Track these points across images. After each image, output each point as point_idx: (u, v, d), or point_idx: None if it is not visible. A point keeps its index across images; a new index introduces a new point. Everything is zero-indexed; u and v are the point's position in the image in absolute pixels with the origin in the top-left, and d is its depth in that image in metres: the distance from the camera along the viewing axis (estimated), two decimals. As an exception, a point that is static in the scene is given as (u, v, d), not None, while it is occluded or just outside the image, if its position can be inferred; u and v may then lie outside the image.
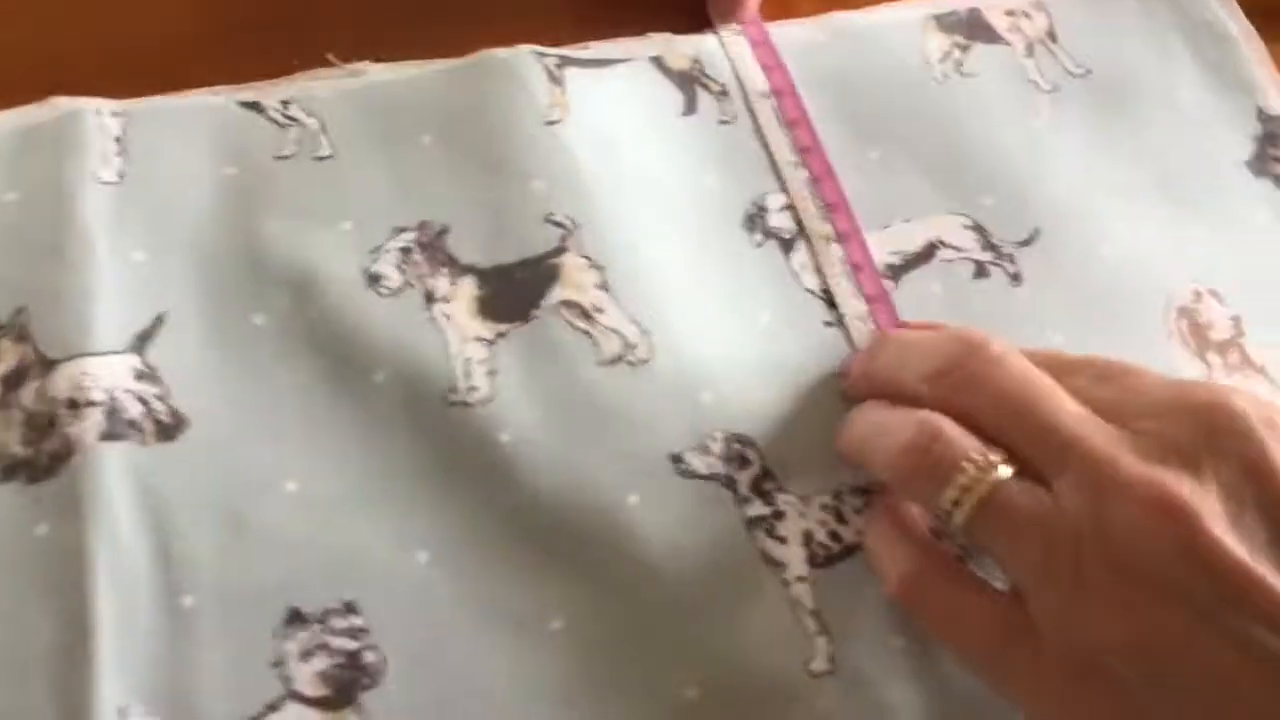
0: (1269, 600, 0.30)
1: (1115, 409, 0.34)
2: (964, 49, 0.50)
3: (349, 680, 0.36)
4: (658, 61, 0.48)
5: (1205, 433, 0.32)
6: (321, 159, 0.44)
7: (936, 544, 0.37)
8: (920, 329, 0.41)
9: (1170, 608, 0.31)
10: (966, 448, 0.34)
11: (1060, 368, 0.36)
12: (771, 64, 0.48)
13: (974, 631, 0.35)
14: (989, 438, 0.35)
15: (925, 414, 0.36)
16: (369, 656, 0.36)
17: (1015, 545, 0.33)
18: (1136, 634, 0.31)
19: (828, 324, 0.43)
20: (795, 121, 0.47)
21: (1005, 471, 0.34)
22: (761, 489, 0.39)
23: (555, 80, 0.46)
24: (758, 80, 0.47)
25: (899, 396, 0.38)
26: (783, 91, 0.47)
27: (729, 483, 0.39)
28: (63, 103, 0.43)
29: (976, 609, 0.35)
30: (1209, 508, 0.31)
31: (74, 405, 0.37)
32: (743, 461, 0.40)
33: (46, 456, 0.37)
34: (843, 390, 0.41)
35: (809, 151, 0.46)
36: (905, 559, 0.36)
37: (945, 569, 0.36)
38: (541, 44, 0.47)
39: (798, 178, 0.46)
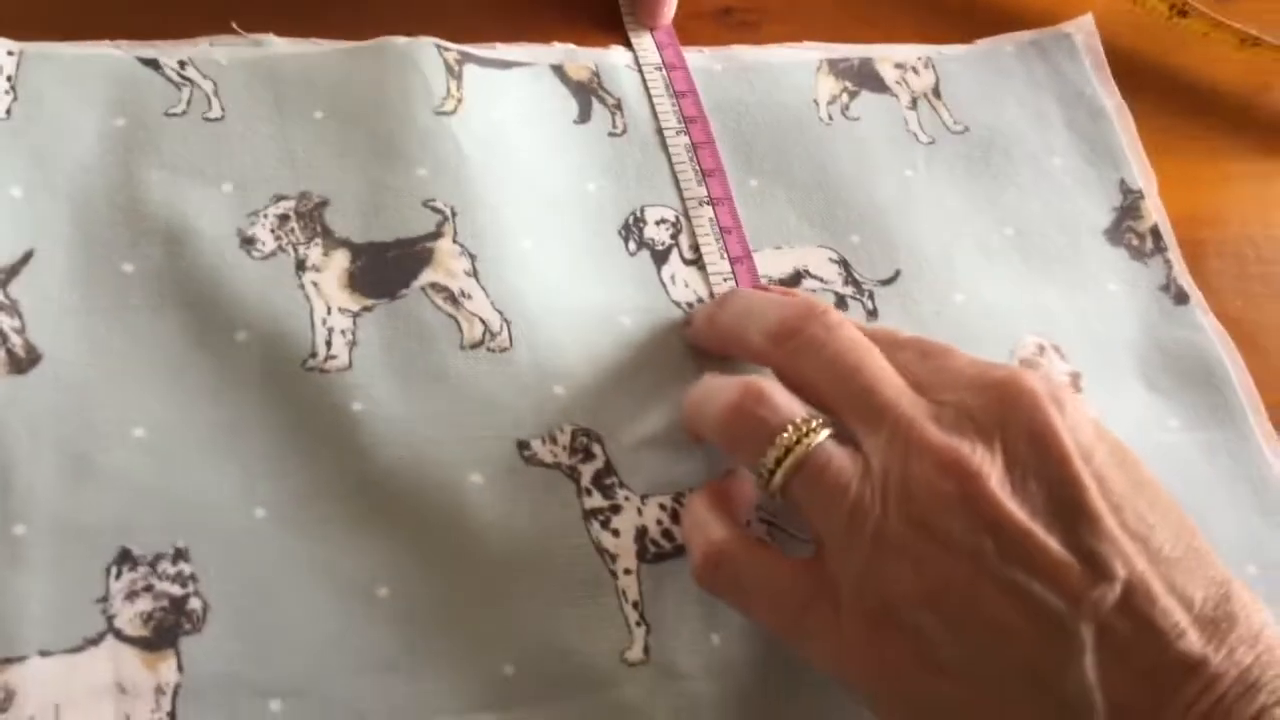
0: (1042, 556, 0.33)
1: (928, 382, 0.36)
2: (852, 95, 0.52)
3: (171, 624, 0.36)
4: (558, 70, 0.49)
5: (998, 406, 0.35)
6: (211, 120, 0.45)
7: (741, 524, 0.39)
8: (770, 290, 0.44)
9: (958, 560, 0.33)
10: (790, 411, 0.36)
11: (890, 343, 0.38)
12: (685, 89, 0.50)
13: (776, 597, 0.36)
14: (819, 402, 0.37)
15: (751, 377, 0.38)
16: (193, 603, 0.36)
17: (826, 504, 0.35)
18: (929, 585, 0.33)
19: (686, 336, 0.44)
20: (701, 144, 0.48)
21: (824, 434, 0.36)
22: (603, 483, 0.40)
23: (453, 74, 0.47)
24: (664, 100, 0.49)
25: (740, 350, 0.41)
26: (694, 118, 0.49)
27: (571, 473, 0.40)
28: (-42, 36, 0.43)
29: (776, 576, 0.36)
30: (995, 472, 0.34)
31: (-71, 327, 0.38)
32: (587, 454, 0.41)
33: (-105, 374, 0.37)
34: (684, 336, 0.43)
35: (712, 174, 0.48)
36: (710, 536, 0.37)
37: (746, 543, 0.37)
38: (448, 40, 0.48)
39: (697, 195, 0.47)
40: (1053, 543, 0.33)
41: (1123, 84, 0.55)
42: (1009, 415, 0.34)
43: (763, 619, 0.37)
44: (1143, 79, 0.56)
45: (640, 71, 0.50)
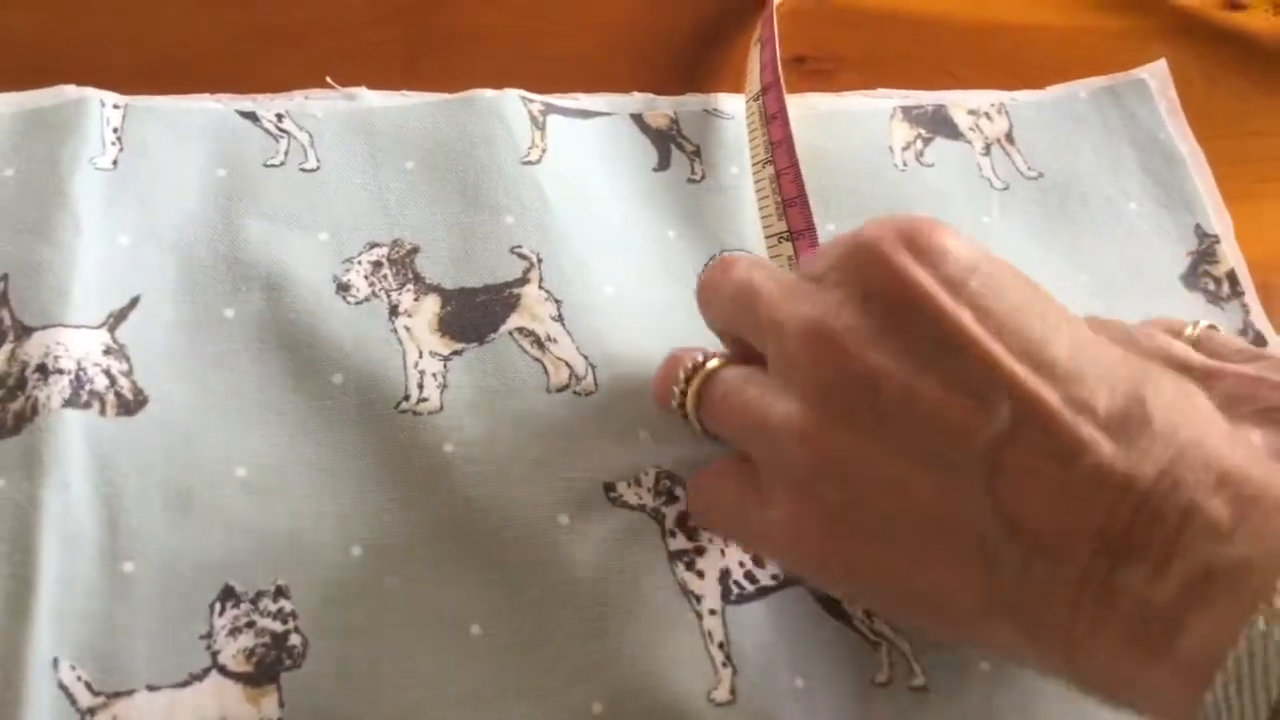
0: (921, 401, 0.32)
1: (807, 271, 0.37)
2: (926, 141, 0.53)
3: (272, 660, 0.37)
4: (637, 118, 0.51)
5: (856, 266, 0.35)
6: (308, 170, 0.46)
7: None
8: None
9: (841, 427, 0.33)
10: (689, 359, 0.39)
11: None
12: (775, 111, 0.49)
13: (723, 503, 0.39)
14: (741, 342, 0.39)
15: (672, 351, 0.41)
16: (294, 639, 0.37)
17: (731, 417, 0.37)
18: (821, 456, 0.33)
19: None
20: (784, 171, 0.48)
21: (713, 363, 0.39)
22: (686, 525, 0.41)
23: (537, 124, 0.49)
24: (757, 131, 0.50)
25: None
26: (780, 141, 0.48)
27: (656, 515, 0.41)
28: (70, 90, 0.45)
29: (724, 486, 0.39)
30: (862, 330, 0.33)
31: (43, 371, 0.39)
32: (670, 497, 0.42)
33: (11, 416, 0.39)
34: None
35: (793, 204, 0.48)
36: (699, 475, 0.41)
37: (714, 467, 0.40)
38: (532, 91, 0.50)
39: (777, 230, 0.47)
40: (929, 384, 0.32)
41: (1197, 129, 0.56)
42: (867, 272, 0.34)
43: (721, 529, 0.40)
44: (1217, 123, 0.56)
45: (718, 115, 0.51)
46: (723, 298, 0.39)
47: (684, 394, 0.39)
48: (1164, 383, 0.32)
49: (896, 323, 0.33)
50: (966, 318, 0.32)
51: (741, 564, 0.41)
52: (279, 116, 0.47)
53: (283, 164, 0.46)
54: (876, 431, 0.33)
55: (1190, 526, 0.29)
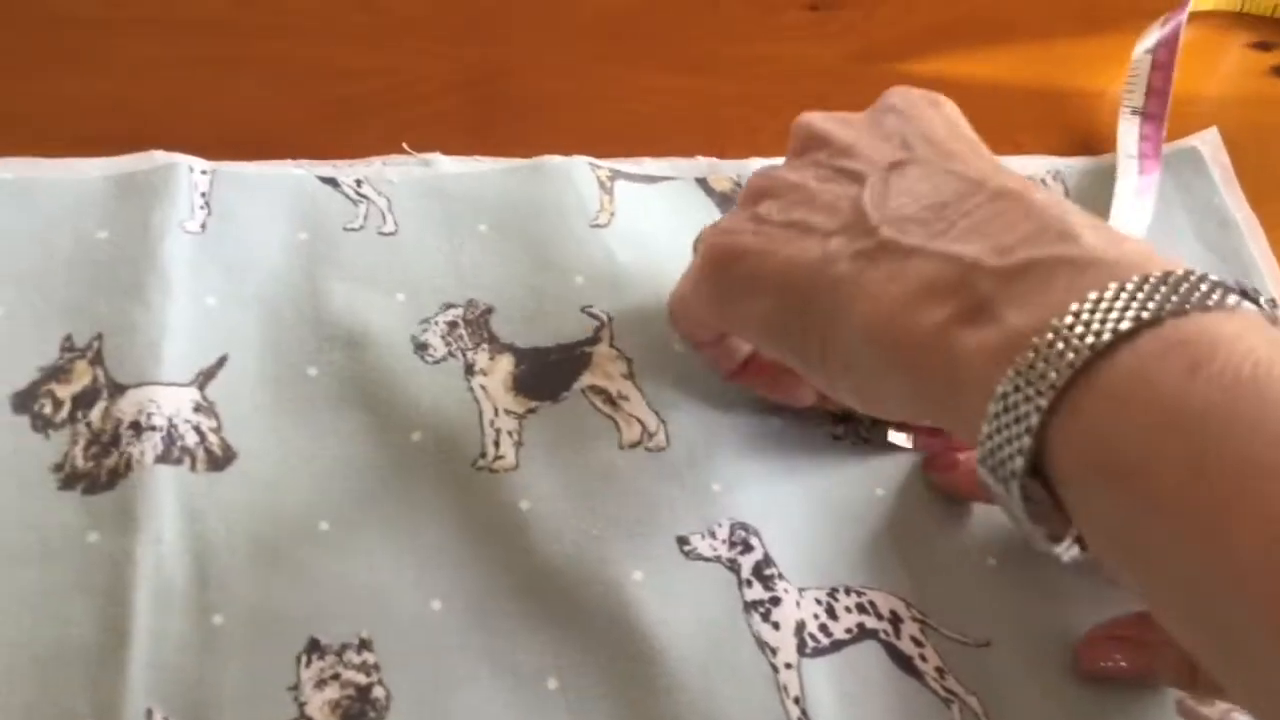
0: (854, 149, 0.39)
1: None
2: (985, 205, 0.54)
3: (357, 711, 0.38)
4: (702, 182, 0.52)
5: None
6: (386, 234, 0.48)
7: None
8: None
9: (793, 166, 0.41)
10: None
11: None
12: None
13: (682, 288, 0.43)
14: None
15: None
16: (377, 691, 0.38)
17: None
18: (774, 179, 0.40)
19: (835, 437, 0.46)
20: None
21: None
22: (763, 574, 0.42)
23: (605, 189, 0.50)
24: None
25: None
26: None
27: (732, 565, 0.42)
28: (159, 155, 0.47)
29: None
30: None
31: (136, 428, 0.41)
32: (746, 547, 0.42)
33: (106, 471, 0.40)
34: None
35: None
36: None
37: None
38: (600, 156, 0.51)
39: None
40: (858, 139, 0.39)
41: (1249, 193, 0.56)
42: (878, 104, 0.42)
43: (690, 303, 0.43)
44: (1269, 187, 0.57)
45: None
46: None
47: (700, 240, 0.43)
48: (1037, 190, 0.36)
49: (875, 118, 0.41)
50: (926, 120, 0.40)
51: (815, 616, 0.41)
52: (358, 182, 0.49)
53: (362, 228, 0.48)
54: (818, 166, 0.39)
55: (1056, 231, 0.32)
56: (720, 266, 0.39)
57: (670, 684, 0.39)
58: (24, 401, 0.41)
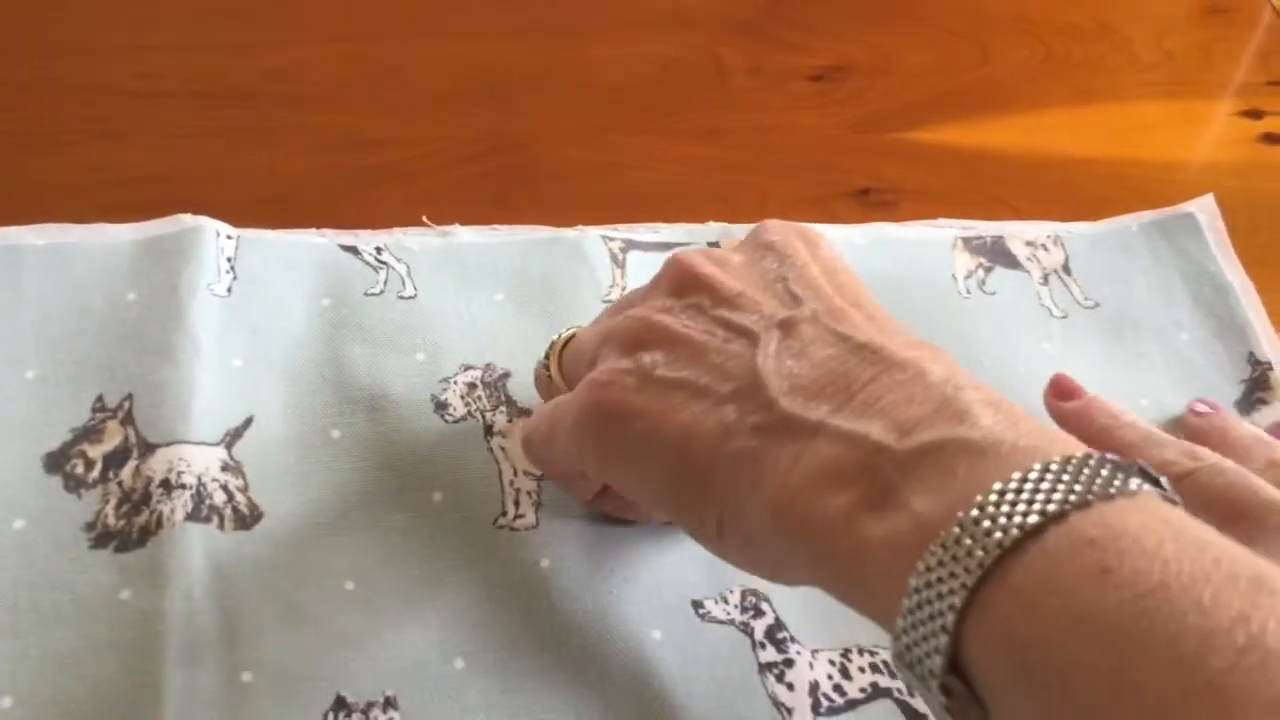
0: (743, 299, 0.38)
1: None
2: (987, 270, 0.55)
3: (382, 768, 0.39)
4: (714, 245, 0.53)
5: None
6: (405, 298, 0.49)
7: None
8: None
9: (672, 313, 0.39)
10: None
11: None
12: None
13: (541, 419, 0.42)
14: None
15: None
16: (403, 749, 0.39)
17: (583, 341, 0.42)
18: (651, 327, 0.38)
19: None
20: None
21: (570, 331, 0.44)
22: (775, 637, 0.43)
23: (617, 262, 0.52)
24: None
25: None
26: None
27: (745, 629, 0.43)
28: (187, 219, 0.48)
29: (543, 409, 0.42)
30: (692, 254, 0.41)
31: (167, 485, 0.41)
32: (758, 612, 0.43)
33: (137, 529, 0.41)
34: None
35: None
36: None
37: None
38: (614, 221, 0.53)
39: None
40: (749, 289, 0.38)
41: (1243, 256, 0.58)
42: (756, 239, 0.41)
43: (545, 440, 0.41)
44: (1262, 252, 0.58)
45: None
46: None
47: (547, 361, 0.43)
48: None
49: (761, 261, 0.40)
50: (814, 269, 0.39)
51: (829, 676, 0.42)
52: (378, 250, 0.50)
53: (382, 293, 0.49)
54: (701, 315, 0.38)
55: (952, 411, 0.32)
56: (607, 423, 0.37)
57: None
58: (56, 462, 0.42)
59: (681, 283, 0.39)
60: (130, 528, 0.41)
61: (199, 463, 0.42)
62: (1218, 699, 0.24)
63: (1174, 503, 0.30)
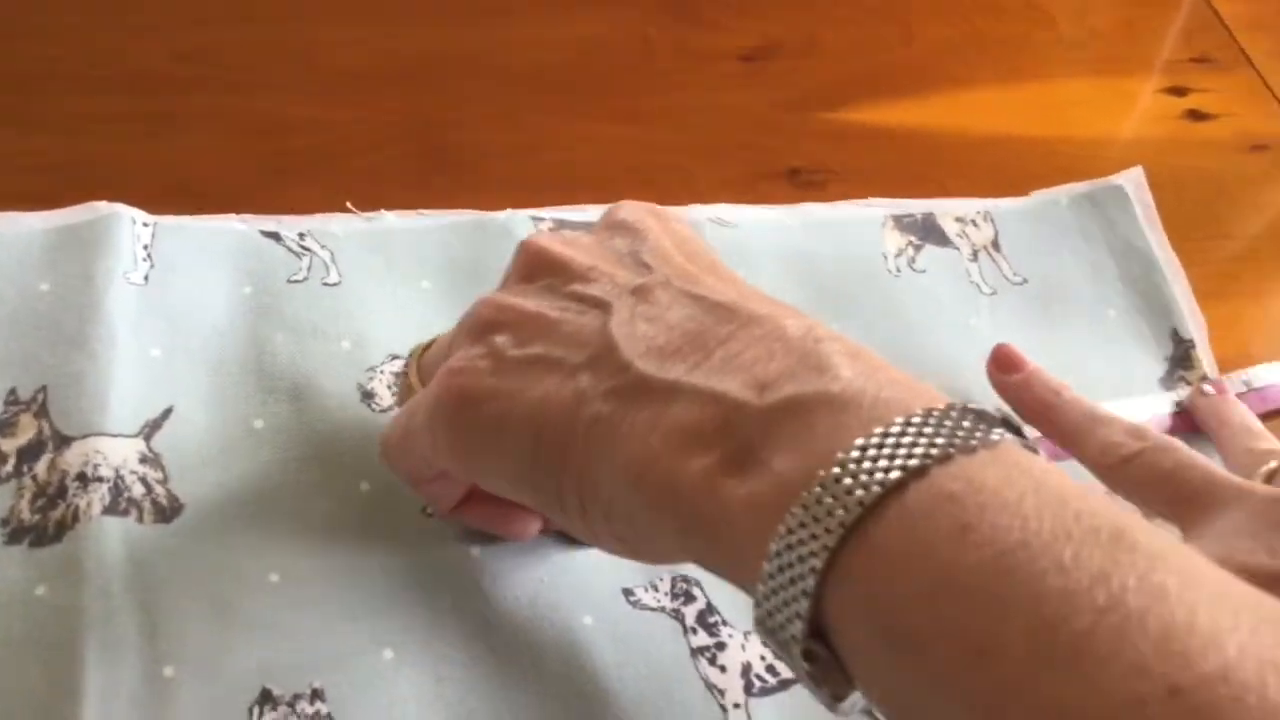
0: (593, 273, 0.37)
1: None
2: (917, 248, 0.55)
3: (310, 761, 0.38)
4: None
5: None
6: (330, 285, 0.48)
7: None
8: None
9: (521, 294, 0.38)
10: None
11: None
12: None
13: (398, 425, 0.41)
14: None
15: None
16: (331, 741, 0.38)
17: (439, 348, 0.41)
18: (502, 308, 0.37)
19: None
20: None
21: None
22: (706, 622, 0.42)
23: (548, 240, 0.51)
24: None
25: None
26: None
27: (676, 615, 0.42)
28: (102, 206, 0.47)
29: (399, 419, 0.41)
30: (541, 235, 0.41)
31: (83, 479, 0.40)
32: (688, 598, 0.43)
33: (53, 524, 0.40)
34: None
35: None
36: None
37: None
38: (541, 204, 0.52)
39: None
40: (601, 263, 0.37)
41: (1169, 232, 0.58)
42: (605, 219, 0.41)
43: (403, 444, 0.40)
44: (1187, 228, 0.59)
45: (721, 224, 0.54)
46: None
47: (407, 368, 0.42)
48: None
49: (612, 239, 0.39)
50: (666, 241, 0.38)
51: (762, 657, 0.42)
52: (301, 235, 0.49)
53: (305, 279, 0.48)
54: (553, 293, 0.37)
55: (813, 365, 0.31)
56: (461, 409, 0.36)
57: None
58: (-33, 457, 0.41)
59: (533, 266, 0.38)
60: (46, 522, 0.40)
61: (116, 455, 0.41)
62: (1078, 662, 0.24)
63: (1034, 451, 0.29)
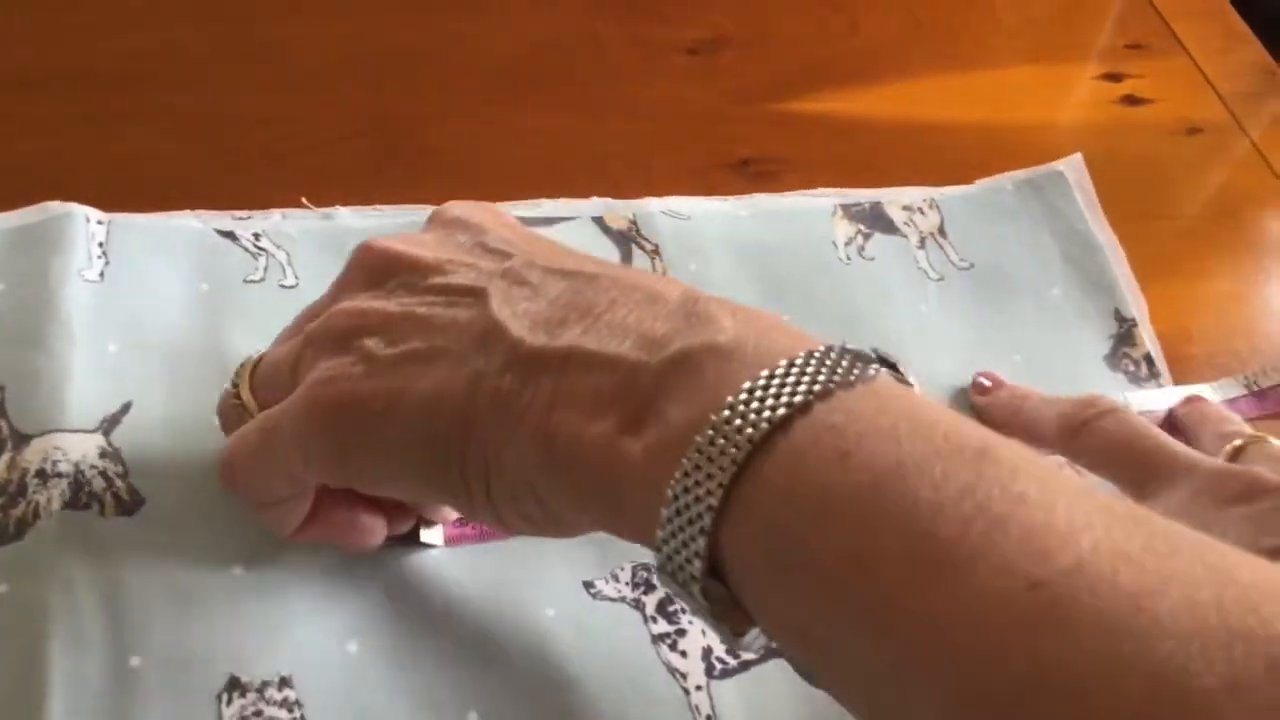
0: (450, 265, 0.37)
1: None
2: (866, 236, 0.56)
3: (279, 749, 0.38)
4: (598, 220, 0.53)
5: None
6: (287, 287, 0.48)
7: None
8: None
9: (381, 297, 0.37)
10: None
11: None
12: None
13: (243, 442, 0.39)
14: None
15: None
16: (299, 728, 0.39)
17: (280, 353, 0.40)
18: (365, 314, 0.37)
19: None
20: None
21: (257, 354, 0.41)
22: (666, 610, 0.43)
23: (503, 237, 0.51)
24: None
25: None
26: None
27: (637, 604, 0.43)
28: (55, 206, 0.47)
29: (244, 433, 0.39)
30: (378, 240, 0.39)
31: (43, 475, 0.41)
32: (648, 587, 0.44)
33: (14, 522, 0.40)
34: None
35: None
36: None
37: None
38: (496, 199, 0.52)
39: None
40: (452, 255, 0.37)
41: (1111, 214, 0.60)
42: (438, 219, 0.41)
43: (246, 462, 0.39)
44: (1126, 210, 0.60)
45: (675, 216, 0.54)
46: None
47: (236, 387, 0.40)
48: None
49: (451, 234, 0.39)
50: (506, 231, 0.39)
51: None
52: (256, 235, 0.49)
53: (263, 280, 0.48)
54: (413, 291, 0.37)
55: (696, 320, 0.33)
56: (340, 417, 0.35)
57: (588, 711, 0.40)
58: (-75, 457, 0.41)
59: (379, 269, 0.38)
60: (7, 520, 0.40)
61: (76, 450, 0.41)
62: (949, 565, 0.26)
63: (908, 384, 0.31)
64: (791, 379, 0.30)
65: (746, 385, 0.30)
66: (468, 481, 0.35)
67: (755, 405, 0.29)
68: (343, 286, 0.39)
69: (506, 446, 0.33)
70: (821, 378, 0.29)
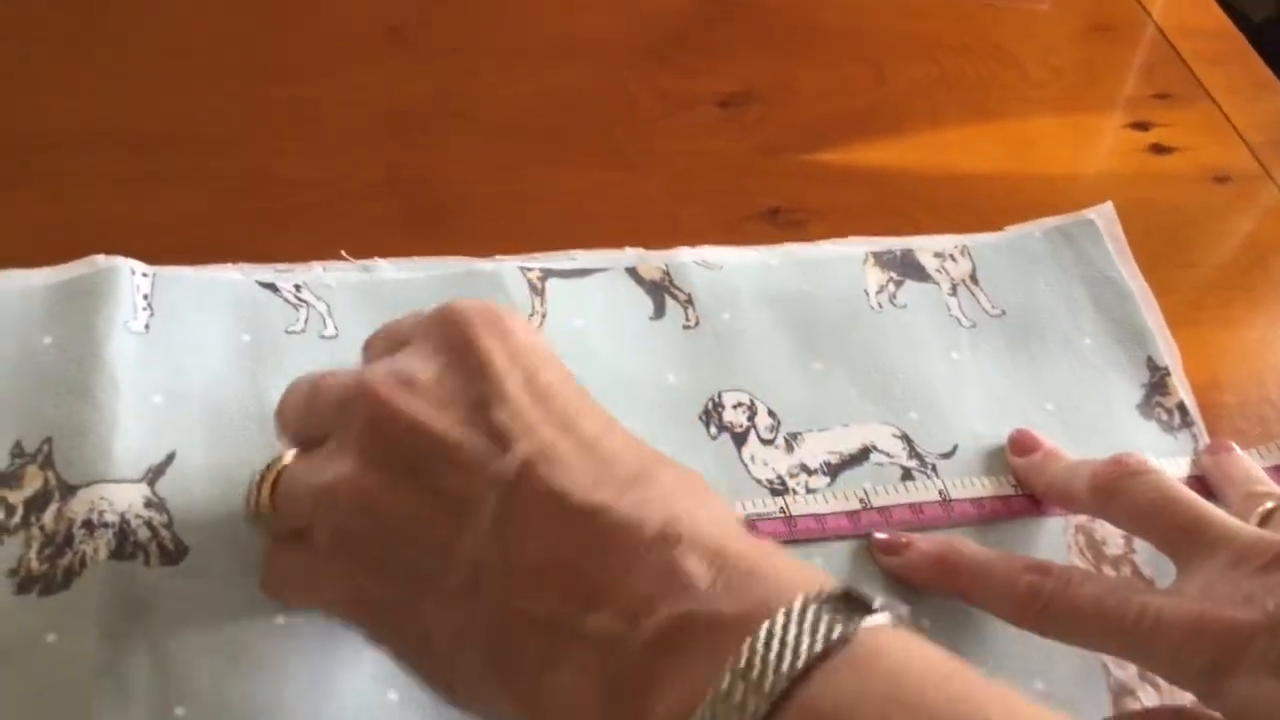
0: (440, 442, 0.35)
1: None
2: (898, 284, 0.57)
3: (322, 798, 0.38)
4: (631, 271, 0.54)
5: (436, 327, 0.38)
6: (327, 338, 0.49)
7: None
8: None
9: (379, 472, 0.35)
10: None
11: None
12: None
13: (291, 570, 0.39)
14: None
15: None
16: (344, 778, 0.39)
17: (295, 490, 0.38)
18: (361, 495, 0.35)
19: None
20: None
21: (288, 455, 0.39)
22: None
23: (536, 290, 0.52)
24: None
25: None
26: None
27: None
28: (100, 259, 0.48)
29: (289, 555, 0.39)
30: (411, 387, 0.36)
31: (89, 526, 0.41)
32: None
33: (61, 572, 0.40)
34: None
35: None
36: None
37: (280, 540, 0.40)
38: (530, 251, 0.53)
39: None
40: (453, 428, 0.35)
41: (1141, 263, 0.60)
42: (446, 331, 0.38)
43: (293, 593, 0.40)
44: (1154, 258, 0.60)
45: (707, 266, 0.55)
46: (296, 398, 0.40)
47: (258, 495, 0.40)
48: (669, 469, 0.36)
49: (457, 380, 0.36)
50: (512, 378, 0.36)
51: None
52: (297, 287, 0.50)
53: (303, 331, 0.49)
54: (410, 476, 0.35)
55: (672, 579, 0.31)
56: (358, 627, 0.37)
57: None
58: (-25, 510, 0.42)
59: (381, 438, 0.36)
60: (54, 570, 0.40)
61: (121, 500, 0.42)
62: None
63: (899, 621, 0.31)
64: (774, 655, 0.29)
65: (726, 680, 0.29)
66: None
67: (738, 698, 0.28)
68: (344, 432, 0.37)
69: (497, 705, 0.34)
70: (804, 646, 0.29)
